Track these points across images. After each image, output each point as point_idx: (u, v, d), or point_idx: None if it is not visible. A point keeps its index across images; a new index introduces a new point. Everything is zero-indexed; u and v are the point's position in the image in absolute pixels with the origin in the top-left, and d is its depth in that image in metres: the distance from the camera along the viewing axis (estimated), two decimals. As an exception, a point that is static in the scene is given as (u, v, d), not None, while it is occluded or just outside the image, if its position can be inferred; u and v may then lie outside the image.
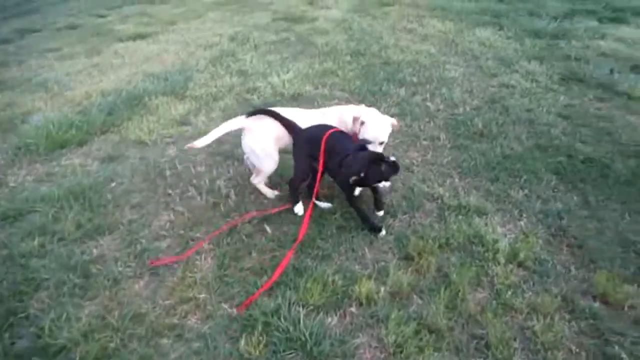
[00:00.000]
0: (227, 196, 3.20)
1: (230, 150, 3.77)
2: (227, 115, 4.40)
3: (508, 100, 4.74)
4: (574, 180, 3.39)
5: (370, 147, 2.77)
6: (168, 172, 3.50)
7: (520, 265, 2.56)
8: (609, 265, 2.58)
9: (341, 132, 2.88)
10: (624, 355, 2.05)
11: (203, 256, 2.69)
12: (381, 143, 2.95)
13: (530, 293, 2.38)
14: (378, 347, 2.11)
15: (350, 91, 4.93)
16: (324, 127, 2.89)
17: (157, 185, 3.37)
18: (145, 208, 3.14)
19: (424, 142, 3.91)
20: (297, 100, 4.73)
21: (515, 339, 2.12)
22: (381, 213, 2.97)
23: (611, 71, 5.50)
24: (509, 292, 2.36)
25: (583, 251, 2.69)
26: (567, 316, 2.25)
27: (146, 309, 2.37)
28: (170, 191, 3.30)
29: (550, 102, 4.74)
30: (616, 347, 2.09)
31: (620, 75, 5.35)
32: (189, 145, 3.02)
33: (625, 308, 2.30)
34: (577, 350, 2.09)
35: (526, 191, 3.26)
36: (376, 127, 2.92)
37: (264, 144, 3.01)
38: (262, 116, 3.05)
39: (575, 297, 2.35)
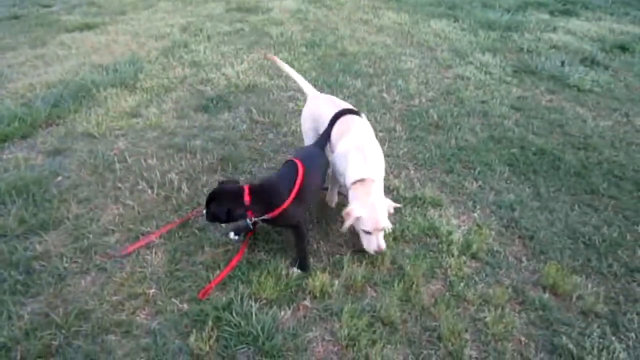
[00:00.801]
0: (179, 189, 3.09)
1: (182, 143, 3.65)
2: (180, 107, 4.27)
3: (463, 92, 4.81)
4: (527, 172, 3.47)
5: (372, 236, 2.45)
6: (118, 165, 3.35)
7: (473, 256, 2.59)
8: (558, 257, 2.65)
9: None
10: (570, 346, 2.10)
11: (154, 250, 2.59)
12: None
13: (482, 284, 2.41)
14: (331, 340, 2.08)
15: (308, 82, 4.86)
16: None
17: (106, 179, 3.22)
18: (93, 202, 3.00)
19: (380, 134, 3.90)
20: (252, 91, 4.63)
21: (466, 331, 2.14)
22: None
23: (562, 64, 5.67)
24: (462, 284, 2.39)
25: (534, 242, 2.75)
26: (518, 307, 2.30)
27: (93, 306, 2.26)
28: (120, 185, 3.16)
29: (504, 94, 4.84)
30: (564, 338, 2.15)
31: (571, 68, 5.53)
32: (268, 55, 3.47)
33: (574, 299, 2.37)
34: (527, 341, 2.13)
35: (480, 183, 3.30)
36: (373, 220, 2.42)
37: (304, 120, 3.06)
38: (325, 98, 3.06)
39: (525, 288, 2.40)
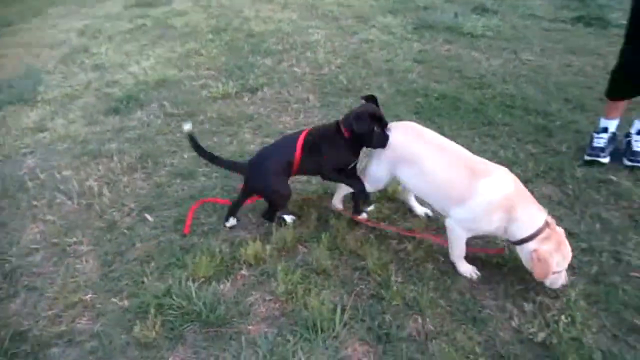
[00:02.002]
0: (101, 194, 3.05)
1: (96, 149, 3.57)
2: (89, 114, 4.15)
3: (369, 54, 5.01)
4: (431, 116, 3.72)
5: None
6: (30, 184, 3.24)
7: (389, 199, 2.78)
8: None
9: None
10: (480, 254, 2.36)
11: (83, 259, 2.57)
12: None
13: (400, 220, 2.61)
14: (271, 299, 2.20)
15: (217, 68, 4.87)
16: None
17: (19, 200, 3.11)
18: (9, 225, 2.90)
19: (295, 106, 4.01)
20: (163, 86, 4.57)
21: (391, 262, 2.33)
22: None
23: (455, 15, 6.02)
24: (384, 223, 2.57)
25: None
26: (434, 232, 2.51)
27: (28, 325, 2.22)
28: (35, 202, 3.06)
29: (406, 50, 5.09)
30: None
31: (464, 18, 5.89)
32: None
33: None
34: (443, 258, 2.35)
35: (391, 133, 3.50)
36: (568, 257, 2.06)
37: None
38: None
39: (437, 214, 2.63)
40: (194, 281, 2.30)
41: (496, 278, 2.25)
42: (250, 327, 2.08)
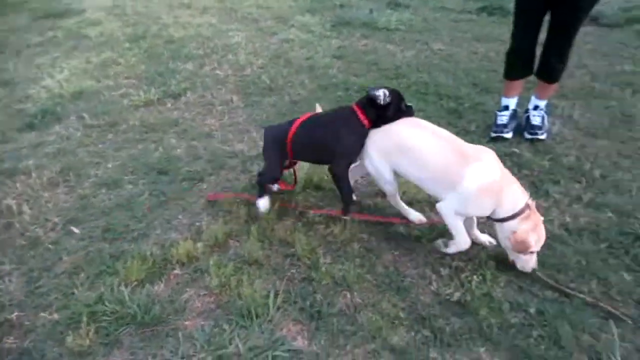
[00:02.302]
0: (20, 212, 2.94)
1: (12, 167, 3.41)
2: (0, 132, 3.95)
3: (289, 53, 5.13)
4: (352, 108, 3.88)
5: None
6: (-59, 209, 3.06)
7: (316, 188, 2.91)
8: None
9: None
10: (401, 229, 2.54)
11: (6, 279, 2.48)
12: None
13: (327, 207, 2.74)
14: (206, 294, 2.25)
15: (137, 76, 4.79)
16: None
17: None
18: None
19: (219, 108, 4.05)
20: (80, 98, 4.43)
21: (319, 246, 2.45)
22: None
23: (370, 11, 6.27)
24: (310, 212, 2.69)
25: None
26: (358, 215, 2.66)
27: (-50, 354, 2.13)
28: (-51, 227, 2.90)
29: (325, 47, 5.25)
30: (399, 227, 2.57)
31: (379, 13, 6.15)
32: None
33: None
34: (368, 237, 2.50)
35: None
36: (542, 238, 2.19)
37: None
38: None
39: (364, 200, 2.78)
40: (126, 286, 2.30)
41: (417, 249, 2.43)
42: (186, 323, 2.12)
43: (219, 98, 4.22)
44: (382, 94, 2.32)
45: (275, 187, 2.84)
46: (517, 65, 3.29)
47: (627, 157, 3.12)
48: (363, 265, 2.35)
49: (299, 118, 2.58)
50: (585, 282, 2.22)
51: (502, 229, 2.18)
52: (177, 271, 2.39)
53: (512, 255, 2.25)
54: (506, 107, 3.43)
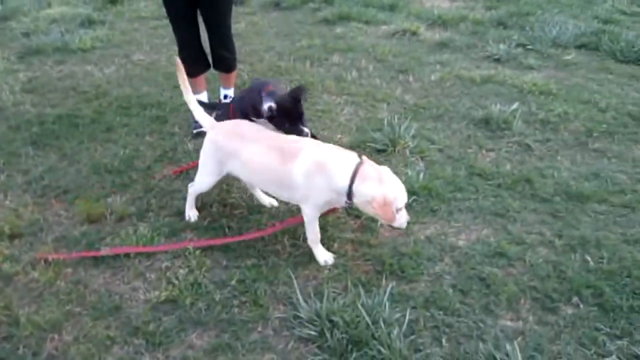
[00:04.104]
0: None
1: None
2: None
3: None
4: (50, 141, 3.60)
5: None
6: None
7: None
8: (88, 191, 2.98)
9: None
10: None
11: None
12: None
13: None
14: None
15: None
16: None
17: None
18: None
19: None
20: None
21: (17, 297, 2.25)
22: None
23: (62, 34, 5.82)
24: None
25: (70, 197, 2.98)
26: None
27: None
28: None
29: (13, 83, 4.71)
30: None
31: (72, 35, 5.75)
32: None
33: (108, 218, 2.76)
34: (74, 269, 2.40)
35: (7, 172, 3.25)
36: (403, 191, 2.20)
37: None
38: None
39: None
40: None
41: (127, 264, 2.43)
42: None
43: None
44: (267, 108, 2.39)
45: None
46: (190, 63, 3.48)
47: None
48: (71, 300, 2.25)
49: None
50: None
51: (361, 204, 2.17)
52: None
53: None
54: (199, 103, 3.63)
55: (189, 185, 2.71)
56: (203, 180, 2.58)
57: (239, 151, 2.37)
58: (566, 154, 3.20)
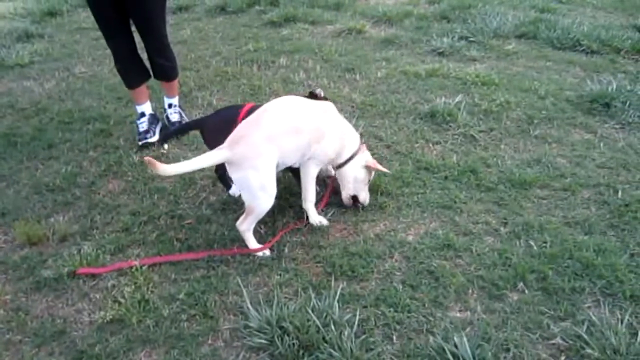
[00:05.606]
0: None
1: None
2: None
3: None
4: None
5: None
6: None
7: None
8: (28, 212, 2.86)
9: None
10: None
11: None
12: None
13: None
14: None
15: None
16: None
17: None
18: None
19: None
20: None
21: None
22: None
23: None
24: None
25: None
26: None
27: None
28: None
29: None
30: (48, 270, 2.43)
31: (9, 50, 5.52)
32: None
33: (50, 239, 2.65)
34: (14, 295, 2.30)
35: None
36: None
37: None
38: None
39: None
40: None
41: (70, 286, 2.34)
42: None
43: None
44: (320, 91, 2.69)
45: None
46: (127, 74, 3.41)
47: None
48: (11, 329, 2.15)
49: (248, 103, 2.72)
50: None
51: (353, 168, 2.64)
52: None
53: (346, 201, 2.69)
54: (142, 114, 3.54)
55: (239, 224, 2.39)
56: (268, 201, 2.32)
57: (277, 138, 2.29)
58: (509, 142, 3.29)
